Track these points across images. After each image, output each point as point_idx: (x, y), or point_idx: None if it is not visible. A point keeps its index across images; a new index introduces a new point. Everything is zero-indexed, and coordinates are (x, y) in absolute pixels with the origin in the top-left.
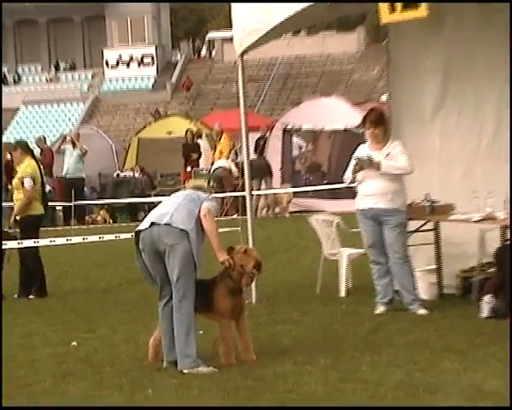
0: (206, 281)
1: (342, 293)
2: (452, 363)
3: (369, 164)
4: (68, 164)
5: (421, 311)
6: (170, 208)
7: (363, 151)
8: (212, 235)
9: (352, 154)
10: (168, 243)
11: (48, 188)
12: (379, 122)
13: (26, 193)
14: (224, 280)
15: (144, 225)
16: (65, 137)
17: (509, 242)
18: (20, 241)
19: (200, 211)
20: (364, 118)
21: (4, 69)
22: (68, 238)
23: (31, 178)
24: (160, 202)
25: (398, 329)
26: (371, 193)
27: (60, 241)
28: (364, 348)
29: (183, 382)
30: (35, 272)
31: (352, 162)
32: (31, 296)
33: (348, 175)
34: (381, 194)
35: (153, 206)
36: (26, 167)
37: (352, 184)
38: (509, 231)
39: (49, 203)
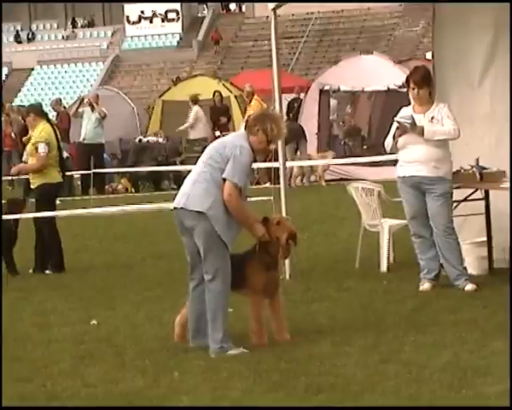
0: (238, 255)
1: (383, 268)
2: (504, 344)
3: (411, 128)
4: (86, 129)
5: (469, 286)
6: (188, 184)
7: (405, 114)
8: (241, 218)
9: (395, 117)
10: (188, 226)
11: (65, 155)
12: (424, 82)
13: (39, 159)
14: (259, 254)
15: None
16: (83, 100)
17: None
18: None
19: (224, 180)
20: (408, 77)
21: (18, 27)
22: (88, 210)
23: (45, 143)
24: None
25: (444, 307)
26: (413, 160)
27: (78, 212)
28: (407, 327)
29: (211, 364)
30: (52, 246)
31: (394, 126)
32: (47, 271)
33: (389, 141)
34: (424, 161)
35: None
36: (40, 132)
37: (394, 152)
38: None
39: (67, 171)
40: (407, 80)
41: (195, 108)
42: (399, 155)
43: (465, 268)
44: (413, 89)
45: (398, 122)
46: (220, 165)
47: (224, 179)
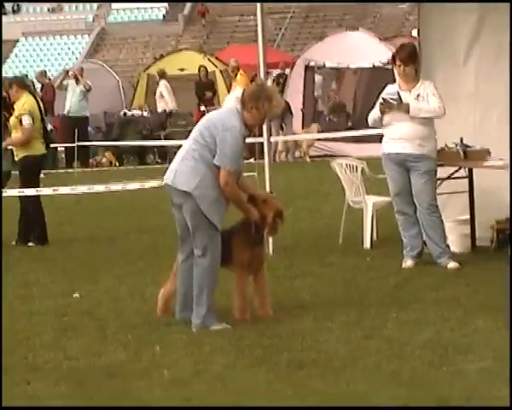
0: (224, 230)
1: (367, 244)
2: (485, 322)
3: (397, 106)
4: (71, 101)
5: (451, 264)
6: (177, 161)
7: (391, 91)
8: (238, 204)
9: (380, 93)
10: (177, 202)
11: (49, 127)
12: (410, 60)
13: (24, 132)
14: (244, 229)
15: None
16: (67, 72)
17: None
18: (20, 187)
19: (215, 157)
20: (394, 54)
21: None
22: (72, 187)
23: (29, 115)
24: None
25: (426, 284)
26: (398, 137)
27: (63, 190)
28: (390, 304)
29: (193, 339)
30: (35, 218)
31: (379, 102)
32: (30, 244)
33: (373, 116)
34: (409, 138)
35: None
36: (23, 104)
37: (376, 127)
38: None
39: (51, 144)
40: (393, 57)
41: (162, 82)
42: (385, 132)
43: (448, 246)
44: (399, 66)
45: (383, 99)
46: (208, 144)
47: (216, 165)
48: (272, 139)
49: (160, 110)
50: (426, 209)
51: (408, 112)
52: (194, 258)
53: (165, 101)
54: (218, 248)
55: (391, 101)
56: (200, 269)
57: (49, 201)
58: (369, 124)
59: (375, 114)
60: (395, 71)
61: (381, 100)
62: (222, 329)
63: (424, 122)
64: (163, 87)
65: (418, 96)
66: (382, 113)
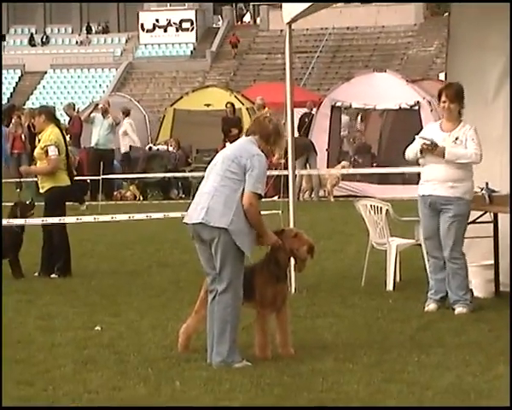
0: (247, 267)
1: (389, 286)
2: (508, 367)
3: (432, 149)
4: (99, 134)
5: (459, 309)
6: (205, 198)
7: (431, 130)
8: (257, 226)
9: (417, 134)
10: (207, 239)
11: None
12: (457, 98)
13: (51, 162)
14: (268, 265)
15: (186, 216)
16: (97, 105)
17: None
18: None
19: (243, 192)
20: (441, 91)
21: (32, 30)
22: (95, 217)
23: (55, 146)
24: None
25: (449, 328)
26: (431, 178)
27: (86, 219)
28: (412, 347)
29: (213, 375)
30: (60, 249)
31: (418, 141)
32: (53, 275)
33: (412, 152)
34: (441, 180)
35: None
36: (49, 135)
37: (411, 161)
38: None
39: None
40: (439, 94)
41: (126, 120)
42: (421, 173)
43: (467, 293)
44: (444, 102)
45: (423, 141)
46: (238, 176)
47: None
48: (298, 172)
49: (123, 149)
50: (448, 255)
51: (443, 156)
52: (218, 293)
53: (131, 138)
54: (241, 283)
55: (428, 143)
56: (222, 305)
57: (72, 232)
58: (406, 157)
59: (413, 149)
60: (440, 107)
61: (421, 140)
62: (242, 366)
63: (459, 165)
64: (127, 125)
65: (457, 139)
66: (421, 152)
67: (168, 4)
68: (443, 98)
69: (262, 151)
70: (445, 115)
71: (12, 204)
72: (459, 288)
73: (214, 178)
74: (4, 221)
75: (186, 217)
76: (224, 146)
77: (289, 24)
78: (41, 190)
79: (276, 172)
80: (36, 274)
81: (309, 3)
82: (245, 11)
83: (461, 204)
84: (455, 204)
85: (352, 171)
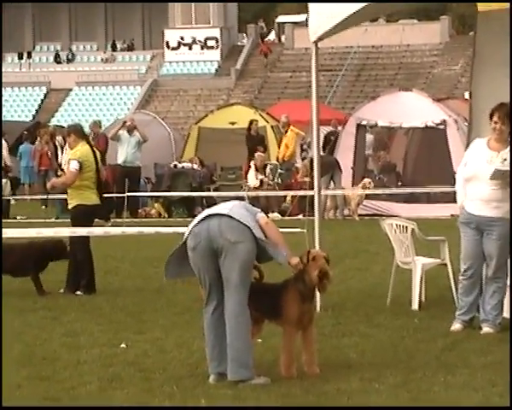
0: (274, 284)
1: (415, 306)
2: None
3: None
4: (126, 152)
5: (486, 329)
6: (227, 205)
7: (478, 148)
8: (281, 240)
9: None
10: (230, 240)
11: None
12: (507, 119)
13: (68, 174)
14: (296, 284)
15: (196, 220)
16: (124, 123)
17: None
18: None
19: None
20: (493, 111)
21: (58, 47)
22: (123, 230)
23: (78, 161)
24: (219, 197)
25: (475, 348)
26: (476, 198)
27: (114, 231)
28: (437, 366)
29: (239, 394)
30: (84, 266)
31: (468, 155)
32: (78, 292)
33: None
34: (486, 200)
35: (211, 201)
36: (75, 151)
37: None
38: None
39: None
40: (492, 114)
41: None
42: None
43: (499, 314)
44: (495, 123)
45: (496, 170)
46: (251, 211)
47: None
48: (324, 193)
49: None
50: (492, 274)
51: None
52: (232, 307)
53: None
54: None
55: (500, 171)
56: (245, 317)
57: (97, 248)
58: (457, 177)
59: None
60: (491, 126)
61: (470, 156)
62: (264, 383)
63: (503, 185)
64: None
65: (505, 160)
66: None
67: (193, 22)
68: (495, 119)
69: None
70: (495, 136)
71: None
72: (494, 308)
73: (228, 203)
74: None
75: (193, 223)
76: (249, 165)
77: (315, 42)
78: (69, 207)
79: (302, 192)
80: (61, 291)
81: (335, 23)
82: (266, 30)
83: (504, 224)
84: (499, 224)
85: (378, 191)
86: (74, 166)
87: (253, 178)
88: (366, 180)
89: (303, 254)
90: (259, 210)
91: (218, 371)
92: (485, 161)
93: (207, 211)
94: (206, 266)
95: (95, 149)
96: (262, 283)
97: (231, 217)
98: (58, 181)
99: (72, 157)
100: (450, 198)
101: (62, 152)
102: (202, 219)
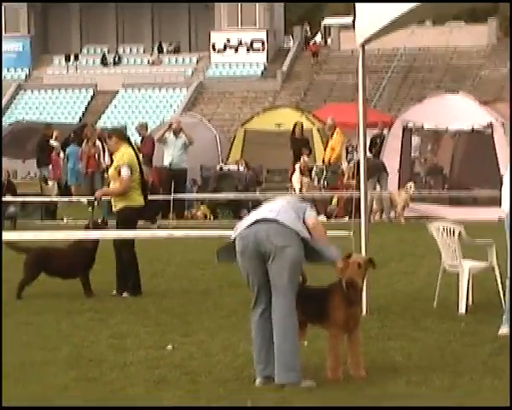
0: (321, 288)
1: (462, 309)
2: None
3: None
4: (173, 154)
5: (504, 330)
6: (274, 207)
7: None
8: (326, 244)
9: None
10: (278, 245)
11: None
12: None
13: (122, 183)
14: (341, 287)
15: (245, 224)
16: (170, 125)
17: None
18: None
19: (304, 219)
20: None
21: (105, 49)
22: (170, 232)
23: (128, 166)
24: (265, 199)
25: None
26: None
27: (160, 234)
28: (485, 371)
29: (284, 397)
30: (130, 268)
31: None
32: (124, 294)
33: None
34: None
35: (257, 203)
36: (122, 156)
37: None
38: None
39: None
40: None
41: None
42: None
43: None
44: None
45: None
46: (299, 210)
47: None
48: (370, 194)
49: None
50: None
51: None
52: (281, 311)
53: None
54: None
55: None
56: (294, 320)
57: (143, 251)
58: (503, 181)
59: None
60: None
61: None
62: (311, 386)
63: None
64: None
65: None
66: None
67: (239, 25)
68: None
69: None
70: None
71: (86, 223)
72: None
73: (277, 202)
74: (80, 235)
75: (240, 226)
76: (294, 168)
77: (362, 45)
78: (113, 209)
79: (348, 194)
80: (113, 293)
81: (382, 25)
82: (311, 33)
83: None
84: None
85: (424, 193)
86: (126, 173)
87: (296, 182)
88: (408, 184)
89: (344, 258)
90: (308, 205)
91: (265, 374)
92: None
93: (255, 214)
94: (253, 269)
95: (136, 150)
96: (307, 286)
97: (278, 222)
98: (110, 190)
99: (121, 163)
100: (497, 201)
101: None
102: (250, 225)
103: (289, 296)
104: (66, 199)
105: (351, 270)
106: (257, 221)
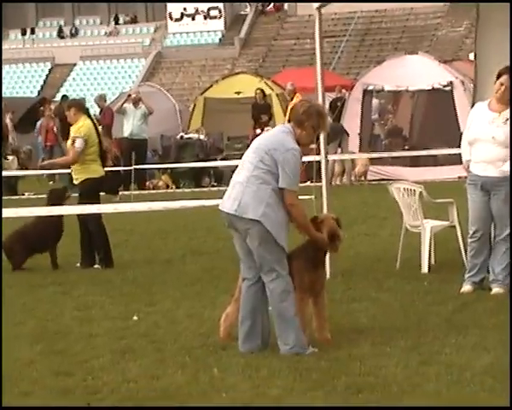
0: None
1: (424, 269)
2: None
3: None
4: (132, 124)
5: (496, 289)
6: (238, 188)
7: (480, 111)
8: (304, 226)
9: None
10: (241, 228)
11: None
12: None
13: (73, 154)
14: (306, 252)
15: (222, 203)
16: (129, 96)
17: None
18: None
19: (278, 182)
20: (501, 73)
21: (61, 22)
22: (132, 205)
23: (83, 138)
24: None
25: (485, 309)
26: (480, 160)
27: (123, 208)
28: (448, 329)
29: (251, 361)
30: (98, 239)
31: (469, 124)
32: (96, 266)
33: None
34: (491, 161)
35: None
36: (79, 128)
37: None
38: None
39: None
40: (498, 75)
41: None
42: (470, 154)
43: (508, 275)
44: (501, 84)
45: None
46: (271, 168)
47: (278, 186)
48: (330, 157)
49: None
50: (502, 234)
51: None
52: (266, 285)
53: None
54: (286, 269)
55: None
56: (275, 295)
57: (106, 222)
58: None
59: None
60: (494, 87)
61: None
62: (310, 353)
63: (506, 144)
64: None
65: (507, 120)
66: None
67: None
68: (501, 80)
69: (299, 139)
70: (499, 97)
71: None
72: (504, 269)
73: (248, 166)
74: (42, 212)
75: (221, 204)
76: (255, 133)
77: (319, 9)
78: (75, 182)
79: (309, 158)
80: (78, 265)
81: None
82: None
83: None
84: (505, 184)
85: (384, 155)
86: (80, 145)
87: None
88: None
89: (311, 221)
90: (285, 185)
91: (245, 348)
92: (486, 123)
93: (225, 196)
94: (237, 241)
95: (95, 121)
96: None
97: (236, 216)
98: (59, 161)
99: (77, 135)
100: (457, 160)
101: None
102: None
103: (270, 273)
104: (24, 173)
105: (328, 224)
106: (226, 212)
